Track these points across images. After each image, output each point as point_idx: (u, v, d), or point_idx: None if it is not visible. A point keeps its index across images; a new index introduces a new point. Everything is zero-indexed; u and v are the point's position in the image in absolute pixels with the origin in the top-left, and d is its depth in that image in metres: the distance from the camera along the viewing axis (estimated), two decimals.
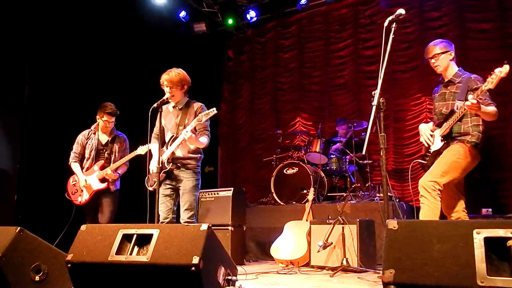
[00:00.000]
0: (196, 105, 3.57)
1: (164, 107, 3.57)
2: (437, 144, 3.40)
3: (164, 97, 3.41)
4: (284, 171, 5.86)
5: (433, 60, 3.43)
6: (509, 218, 4.48)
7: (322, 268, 4.08)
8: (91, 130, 4.42)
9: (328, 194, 5.82)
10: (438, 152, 3.36)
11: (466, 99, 3.09)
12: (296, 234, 4.65)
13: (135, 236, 2.13)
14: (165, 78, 3.48)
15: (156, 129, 3.61)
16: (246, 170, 7.82)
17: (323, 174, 5.78)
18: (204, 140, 3.44)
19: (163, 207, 3.42)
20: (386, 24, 2.69)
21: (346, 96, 6.98)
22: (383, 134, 2.53)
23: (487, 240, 1.52)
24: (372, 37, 6.69)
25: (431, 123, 3.58)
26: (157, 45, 6.55)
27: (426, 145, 3.52)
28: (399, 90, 6.42)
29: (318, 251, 4.02)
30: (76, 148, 4.37)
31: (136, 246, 2.12)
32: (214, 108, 3.28)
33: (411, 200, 5.30)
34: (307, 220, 4.71)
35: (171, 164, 3.42)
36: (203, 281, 1.90)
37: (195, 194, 3.46)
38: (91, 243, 2.17)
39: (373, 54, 6.56)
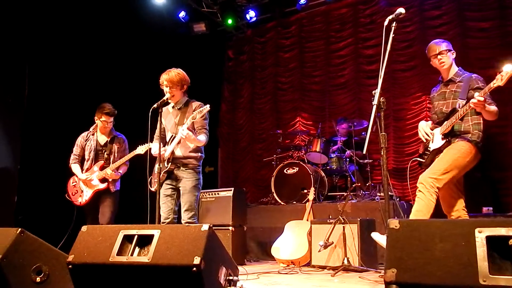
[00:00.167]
0: (195, 104, 3.57)
1: (164, 107, 3.57)
2: (437, 143, 3.39)
3: (164, 98, 3.40)
4: (285, 171, 5.85)
5: (439, 57, 3.42)
6: (510, 217, 4.48)
7: (323, 267, 4.08)
8: (90, 131, 4.43)
9: (329, 194, 5.82)
10: (439, 151, 3.35)
11: (468, 98, 3.08)
12: (297, 234, 4.65)
13: (136, 236, 2.13)
14: (164, 78, 3.47)
15: (157, 130, 3.61)
16: (246, 170, 7.82)
17: (323, 174, 5.78)
18: (202, 138, 3.43)
19: (164, 207, 3.41)
20: (386, 23, 2.68)
21: (346, 95, 6.97)
22: (383, 133, 2.52)
23: (489, 239, 1.51)
24: (372, 36, 6.68)
25: (430, 122, 3.58)
26: (156, 46, 6.55)
27: (425, 141, 3.52)
28: (399, 89, 6.42)
29: (319, 251, 4.02)
30: (75, 150, 4.38)
31: (137, 247, 2.11)
32: (208, 105, 3.33)
33: (412, 199, 5.29)
34: (307, 220, 4.71)
35: (170, 163, 3.42)
36: (204, 282, 1.90)
37: (195, 194, 3.44)
38: (92, 244, 2.17)
39: (373, 53, 6.56)
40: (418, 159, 3.55)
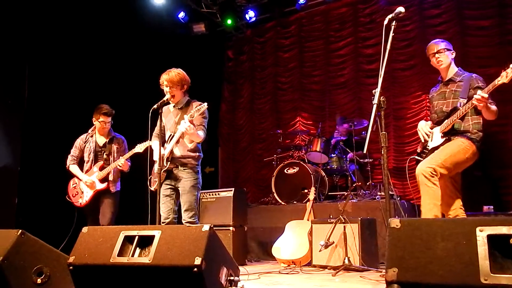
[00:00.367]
0: (196, 103, 3.55)
1: (164, 107, 3.57)
2: (436, 141, 3.39)
3: (164, 98, 3.40)
4: (285, 170, 5.85)
5: (437, 55, 3.42)
6: (511, 215, 4.48)
7: (324, 267, 4.07)
8: (89, 133, 4.42)
9: (329, 193, 5.81)
10: (437, 149, 3.35)
11: (469, 97, 3.07)
12: (298, 233, 4.65)
13: (136, 237, 2.13)
14: (165, 78, 3.47)
15: (156, 128, 3.61)
16: (247, 170, 7.82)
17: (323, 173, 5.78)
18: (200, 133, 3.43)
19: (164, 207, 3.41)
20: (385, 22, 2.68)
21: (346, 95, 6.97)
22: (384, 132, 2.52)
23: (490, 238, 1.51)
24: (372, 36, 6.69)
25: (429, 122, 3.58)
26: (156, 46, 6.55)
27: (423, 141, 3.52)
28: (399, 88, 6.42)
29: (320, 251, 4.02)
30: (74, 151, 4.37)
31: (138, 248, 2.11)
32: (205, 103, 3.33)
33: (412, 198, 5.30)
34: (308, 220, 4.71)
35: (169, 163, 3.42)
36: (205, 282, 1.90)
37: (195, 194, 3.44)
38: (92, 245, 2.17)
39: (373, 52, 6.56)
40: (416, 157, 3.54)
